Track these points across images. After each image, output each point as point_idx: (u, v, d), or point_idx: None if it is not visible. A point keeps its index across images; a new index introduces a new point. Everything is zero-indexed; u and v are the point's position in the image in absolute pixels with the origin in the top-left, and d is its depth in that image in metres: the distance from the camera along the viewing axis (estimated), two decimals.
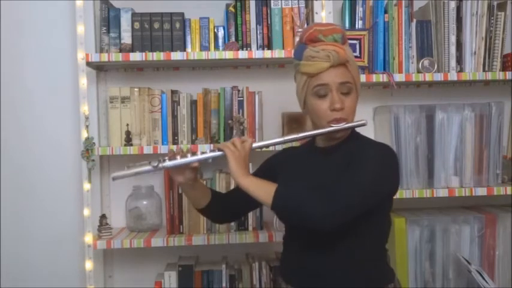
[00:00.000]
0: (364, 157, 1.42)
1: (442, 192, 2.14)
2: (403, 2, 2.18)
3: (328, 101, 1.46)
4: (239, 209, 1.73)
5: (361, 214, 1.37)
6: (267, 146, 1.59)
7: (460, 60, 2.20)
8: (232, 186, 2.13)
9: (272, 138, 1.56)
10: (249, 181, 1.44)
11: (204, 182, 2.17)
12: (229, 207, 1.69)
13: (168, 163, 1.50)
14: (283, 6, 2.18)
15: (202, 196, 1.65)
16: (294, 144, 1.75)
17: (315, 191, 1.38)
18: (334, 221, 1.34)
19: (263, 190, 1.41)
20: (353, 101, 1.49)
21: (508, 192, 2.14)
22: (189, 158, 1.51)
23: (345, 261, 1.44)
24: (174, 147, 2.02)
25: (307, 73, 1.47)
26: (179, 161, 1.51)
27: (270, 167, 1.68)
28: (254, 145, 1.52)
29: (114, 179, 1.54)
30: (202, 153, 1.52)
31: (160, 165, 1.49)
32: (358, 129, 1.56)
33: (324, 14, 2.14)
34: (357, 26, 2.19)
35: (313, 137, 1.59)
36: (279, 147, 2.03)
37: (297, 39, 2.14)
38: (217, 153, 1.50)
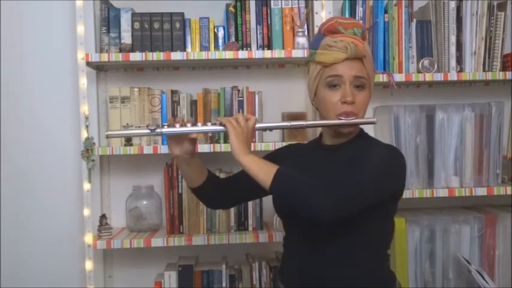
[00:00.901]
0: (370, 155, 1.40)
1: (442, 192, 2.14)
2: (403, 2, 2.18)
3: (340, 94, 1.44)
4: (238, 195, 1.67)
5: (362, 210, 1.34)
6: (271, 128, 1.54)
7: (460, 60, 2.20)
8: None
9: (277, 122, 1.51)
10: (250, 159, 1.38)
11: None
12: (228, 192, 1.64)
13: (166, 129, 1.45)
14: (283, 6, 2.18)
15: (198, 174, 1.57)
16: (300, 141, 1.72)
17: (317, 180, 1.35)
18: (333, 212, 1.30)
19: (263, 170, 1.36)
20: (365, 97, 1.47)
21: (508, 192, 2.14)
22: (188, 128, 1.45)
23: (346, 262, 1.43)
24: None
25: (322, 62, 1.45)
26: (178, 129, 1.45)
27: (272, 160, 1.60)
28: (258, 125, 1.47)
29: (108, 136, 1.51)
30: (203, 125, 1.48)
31: (158, 130, 1.43)
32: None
33: (324, 14, 2.13)
34: None
35: (321, 129, 1.57)
36: (278, 144, 2.04)
37: (298, 39, 2.15)
38: (219, 127, 1.45)
